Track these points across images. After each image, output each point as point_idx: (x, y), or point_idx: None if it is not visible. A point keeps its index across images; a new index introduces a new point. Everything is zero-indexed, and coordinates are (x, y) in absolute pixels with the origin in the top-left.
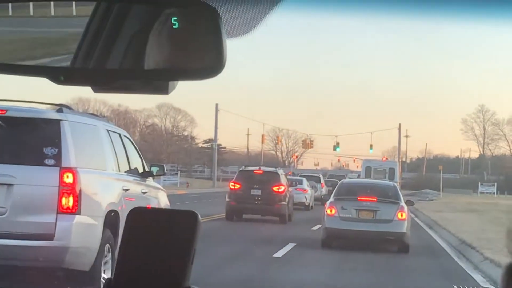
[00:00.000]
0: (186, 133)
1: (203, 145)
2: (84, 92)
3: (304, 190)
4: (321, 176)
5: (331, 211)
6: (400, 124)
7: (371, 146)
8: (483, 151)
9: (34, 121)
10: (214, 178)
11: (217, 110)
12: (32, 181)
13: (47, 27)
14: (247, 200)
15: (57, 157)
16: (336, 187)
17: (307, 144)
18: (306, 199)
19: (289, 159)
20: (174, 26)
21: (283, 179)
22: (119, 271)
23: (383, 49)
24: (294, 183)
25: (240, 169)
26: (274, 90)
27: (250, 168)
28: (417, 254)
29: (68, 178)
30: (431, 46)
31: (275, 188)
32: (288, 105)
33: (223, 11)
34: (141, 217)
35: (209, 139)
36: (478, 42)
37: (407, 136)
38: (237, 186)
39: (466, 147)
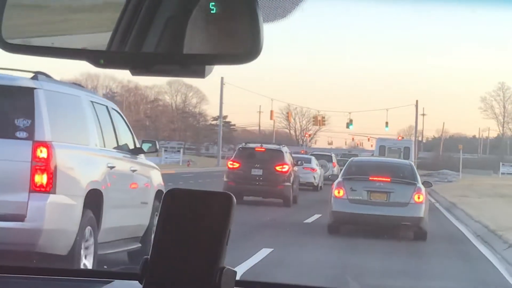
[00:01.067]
0: (196, 110)
1: (212, 122)
2: (93, 67)
3: (313, 169)
4: (333, 155)
5: (338, 192)
6: (417, 101)
7: (386, 123)
8: (503, 130)
9: (5, 89)
10: (218, 156)
11: (222, 84)
12: (1, 155)
13: (84, 11)
14: (247, 180)
15: (30, 130)
16: (345, 165)
17: (319, 121)
18: (314, 179)
19: (303, 137)
20: (211, 11)
21: (287, 158)
22: (155, 251)
23: (400, 26)
24: (300, 162)
25: (240, 146)
26: (286, 66)
27: (251, 145)
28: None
29: (42, 153)
30: (450, 23)
31: (278, 168)
32: (300, 81)
33: None
34: (177, 198)
35: (218, 116)
36: (499, 19)
37: (423, 115)
38: (236, 165)
39: (484, 126)
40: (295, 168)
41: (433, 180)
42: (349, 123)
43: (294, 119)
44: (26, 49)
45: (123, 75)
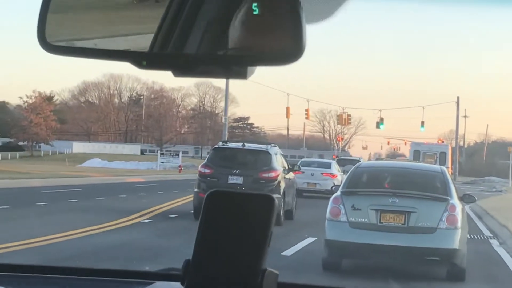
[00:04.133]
0: (218, 112)
1: (234, 124)
2: (116, 68)
3: (333, 175)
4: (361, 160)
5: (334, 212)
6: (458, 97)
7: (422, 123)
8: None
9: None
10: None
11: (227, 81)
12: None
13: (127, 12)
14: None
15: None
16: (348, 173)
17: (344, 119)
18: (336, 185)
19: (337, 141)
20: (254, 12)
21: (276, 161)
22: (197, 252)
23: (441, 19)
24: (296, 166)
25: (215, 146)
26: (314, 64)
27: (230, 145)
28: None
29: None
30: (496, 16)
31: (264, 174)
32: (324, 77)
33: None
34: (218, 200)
35: (240, 117)
36: None
37: (465, 117)
38: (208, 170)
39: None
40: (290, 174)
41: (478, 189)
42: (379, 122)
43: (328, 122)
44: (69, 51)
45: (147, 76)
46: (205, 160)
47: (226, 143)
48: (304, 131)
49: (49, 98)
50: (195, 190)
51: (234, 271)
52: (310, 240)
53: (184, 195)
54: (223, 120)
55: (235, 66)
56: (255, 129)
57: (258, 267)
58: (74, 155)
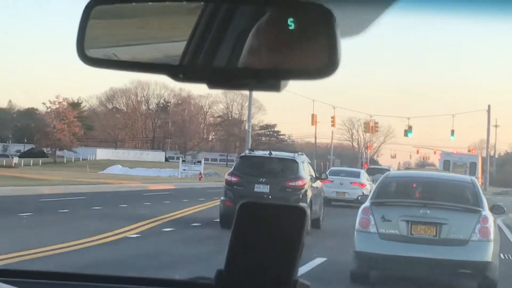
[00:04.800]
0: (254, 121)
1: (260, 131)
2: (144, 75)
3: (361, 184)
4: (391, 169)
5: (364, 223)
6: (489, 106)
7: (452, 132)
8: None
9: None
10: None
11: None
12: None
13: (163, 25)
14: (249, 200)
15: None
16: (377, 183)
17: (371, 127)
18: (363, 195)
19: (366, 150)
20: (290, 27)
21: (303, 170)
22: (229, 263)
23: (472, 28)
24: (324, 175)
25: (242, 154)
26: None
27: (257, 153)
28: None
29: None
30: None
31: (291, 183)
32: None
33: (336, 11)
34: (251, 211)
35: (266, 125)
36: None
37: (496, 126)
38: (235, 179)
39: None
40: (317, 183)
41: (509, 200)
42: (407, 130)
43: (357, 131)
44: (108, 64)
45: (174, 84)
46: (232, 168)
47: (253, 151)
48: (332, 139)
49: (76, 105)
50: (222, 198)
51: (266, 282)
52: (319, 260)
53: (192, 205)
54: (246, 127)
55: (269, 80)
56: (281, 136)
57: (290, 278)
58: (97, 162)
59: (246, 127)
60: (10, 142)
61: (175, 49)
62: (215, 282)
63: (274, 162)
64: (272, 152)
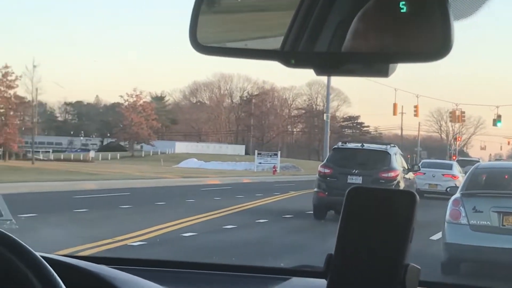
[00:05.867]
0: (338, 114)
1: (343, 123)
2: (227, 67)
3: (454, 176)
4: (480, 161)
5: (454, 215)
6: None
7: None
8: None
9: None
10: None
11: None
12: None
13: (272, 12)
14: (342, 191)
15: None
16: (467, 174)
17: (457, 117)
18: (453, 187)
19: (455, 142)
20: (401, 10)
21: (396, 161)
22: (339, 247)
23: None
24: (416, 166)
25: (335, 146)
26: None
27: (349, 145)
28: None
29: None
30: None
31: (383, 174)
32: (435, 70)
33: None
34: (360, 195)
35: (349, 116)
36: None
37: None
38: (328, 170)
39: None
40: (410, 174)
41: None
42: (496, 120)
43: (446, 122)
44: (219, 51)
45: (257, 76)
46: (325, 160)
47: (345, 143)
48: (418, 131)
49: (159, 98)
50: (315, 189)
51: (377, 266)
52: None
53: (238, 203)
54: (324, 118)
55: (377, 64)
56: (365, 128)
57: (401, 262)
58: (175, 156)
59: (325, 118)
60: (94, 136)
61: (284, 34)
62: (325, 266)
63: (367, 154)
64: (364, 144)
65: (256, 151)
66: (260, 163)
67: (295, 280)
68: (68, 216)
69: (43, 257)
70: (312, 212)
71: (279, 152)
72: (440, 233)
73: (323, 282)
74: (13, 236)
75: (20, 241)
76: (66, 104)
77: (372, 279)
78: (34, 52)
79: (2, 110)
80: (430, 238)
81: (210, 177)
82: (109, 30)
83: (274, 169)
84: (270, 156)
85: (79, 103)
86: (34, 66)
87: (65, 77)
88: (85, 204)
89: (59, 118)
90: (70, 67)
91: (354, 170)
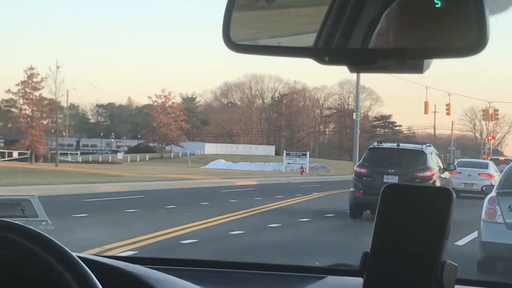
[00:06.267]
0: (370, 113)
1: (375, 123)
2: (258, 68)
3: (490, 175)
4: None
5: (490, 213)
6: None
7: None
8: None
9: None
10: (355, 160)
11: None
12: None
13: (305, 9)
14: (378, 190)
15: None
16: (502, 173)
17: (490, 115)
18: (488, 186)
19: (488, 141)
20: (436, 5)
21: (431, 160)
22: (375, 245)
23: None
24: (452, 166)
25: (370, 146)
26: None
27: (385, 145)
28: None
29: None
30: None
31: (419, 174)
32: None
33: None
34: (395, 193)
35: (381, 116)
36: None
37: None
38: (364, 170)
39: None
40: (445, 174)
41: None
42: None
43: (480, 121)
44: (253, 49)
45: (288, 76)
46: (361, 160)
47: (381, 143)
48: (452, 129)
49: (190, 99)
50: (351, 189)
51: (413, 263)
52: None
53: (247, 207)
54: (354, 117)
55: (412, 59)
56: (397, 128)
57: (438, 259)
58: (204, 156)
59: (354, 117)
60: (124, 138)
61: (317, 31)
62: (362, 264)
63: (402, 154)
64: (400, 143)
65: (284, 152)
66: (288, 163)
67: (330, 278)
68: (64, 221)
69: (79, 257)
70: (331, 215)
71: (308, 152)
72: (468, 237)
73: (359, 280)
74: (50, 237)
75: (57, 242)
76: (98, 106)
77: (409, 277)
78: (66, 53)
79: (28, 112)
80: (456, 243)
81: (232, 178)
82: (143, 31)
83: (301, 170)
84: (299, 156)
85: (111, 105)
86: (58, 67)
87: (99, 77)
88: (89, 208)
89: (91, 120)
90: (104, 69)
91: (390, 170)
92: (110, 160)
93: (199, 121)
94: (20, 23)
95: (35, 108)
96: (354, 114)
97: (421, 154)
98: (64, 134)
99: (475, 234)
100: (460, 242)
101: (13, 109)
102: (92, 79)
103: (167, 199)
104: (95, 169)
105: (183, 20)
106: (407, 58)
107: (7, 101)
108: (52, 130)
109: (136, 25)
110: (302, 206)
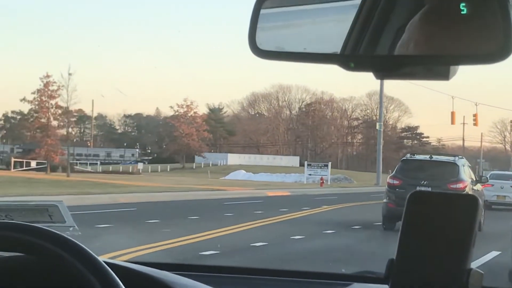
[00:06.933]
0: (398, 125)
1: (402, 134)
2: (285, 78)
3: None
4: None
5: None
6: None
7: None
8: None
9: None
10: (378, 173)
11: (382, 83)
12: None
13: (331, 16)
14: None
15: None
16: None
17: None
18: None
19: None
20: (462, 12)
21: (464, 173)
22: (400, 252)
23: None
24: (484, 178)
25: (403, 158)
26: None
27: (418, 157)
28: None
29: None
30: None
31: (452, 186)
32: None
33: None
34: (421, 199)
35: (408, 127)
36: None
37: None
38: (397, 182)
39: None
40: (478, 186)
41: None
42: None
43: (510, 133)
44: (278, 55)
45: (316, 87)
46: (393, 172)
47: (414, 155)
48: (481, 141)
49: (216, 110)
50: (384, 200)
51: (439, 271)
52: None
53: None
54: (377, 127)
55: (439, 67)
56: (424, 139)
57: (463, 266)
58: (226, 167)
59: (377, 127)
60: (149, 148)
61: (344, 38)
62: (387, 271)
63: (435, 166)
64: (432, 155)
65: (306, 162)
66: (310, 174)
67: (356, 286)
68: None
69: (105, 262)
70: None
71: (330, 163)
72: (488, 257)
73: (384, 287)
74: (76, 241)
75: (84, 247)
76: (126, 116)
77: (434, 284)
78: (93, 61)
79: (43, 120)
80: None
81: (236, 189)
82: (172, 40)
83: (321, 181)
84: (320, 167)
85: (138, 115)
86: (70, 74)
87: (126, 87)
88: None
89: (119, 131)
90: (133, 79)
91: (422, 182)
92: (130, 171)
93: (226, 131)
94: (41, 28)
95: (51, 117)
96: (377, 124)
97: (454, 166)
98: (89, 144)
99: None
100: (476, 263)
101: (31, 118)
102: (122, 87)
103: (156, 213)
104: (108, 179)
105: (211, 29)
106: (433, 65)
107: (21, 111)
108: (74, 140)
109: (165, 36)
110: (299, 220)
